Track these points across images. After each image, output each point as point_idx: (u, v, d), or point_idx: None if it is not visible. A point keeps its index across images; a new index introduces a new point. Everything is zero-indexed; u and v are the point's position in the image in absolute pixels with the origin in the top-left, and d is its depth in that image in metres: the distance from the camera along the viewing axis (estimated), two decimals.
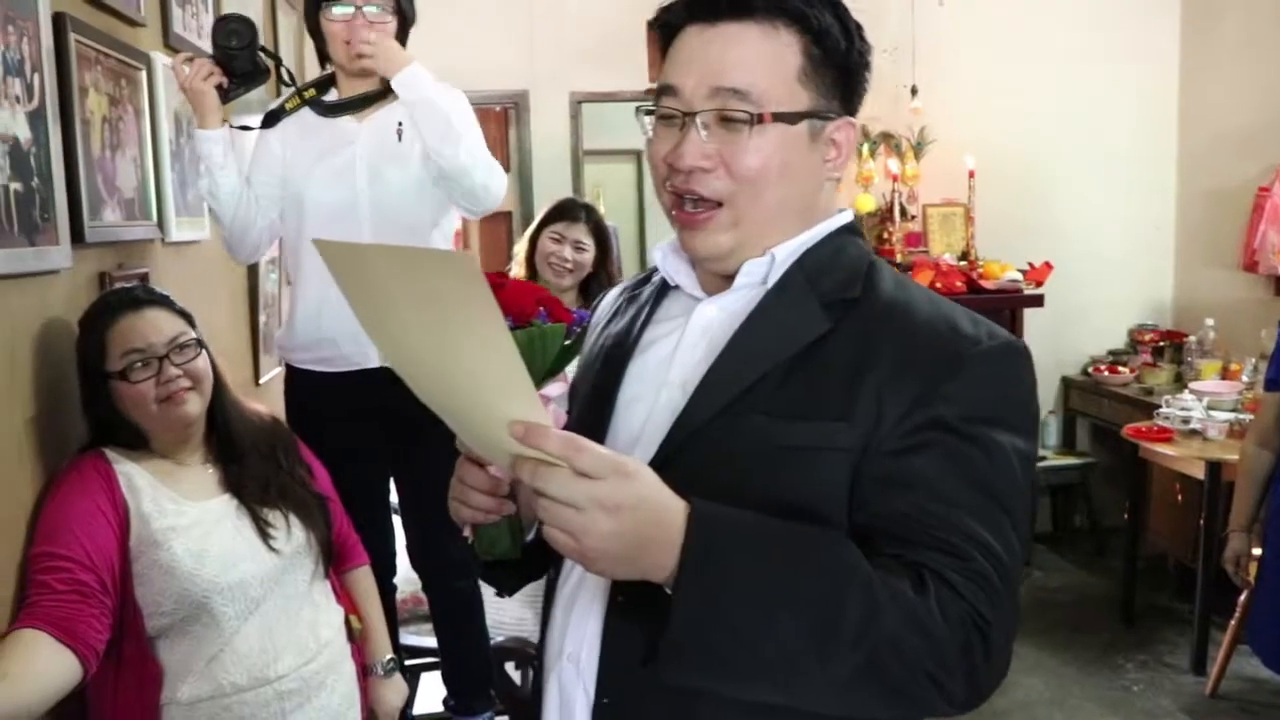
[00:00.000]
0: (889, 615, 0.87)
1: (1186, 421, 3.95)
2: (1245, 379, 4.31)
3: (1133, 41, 5.09)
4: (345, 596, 1.99)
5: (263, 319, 3.31)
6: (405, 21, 2.46)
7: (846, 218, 1.13)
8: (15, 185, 1.62)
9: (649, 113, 1.08)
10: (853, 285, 1.05)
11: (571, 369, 1.17)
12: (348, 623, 1.94)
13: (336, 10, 2.35)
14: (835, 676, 0.87)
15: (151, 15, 2.37)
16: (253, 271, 3.24)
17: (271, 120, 2.44)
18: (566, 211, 3.06)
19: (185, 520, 1.69)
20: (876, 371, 0.97)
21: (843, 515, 0.97)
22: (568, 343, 1.04)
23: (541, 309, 1.01)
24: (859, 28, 1.08)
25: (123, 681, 1.63)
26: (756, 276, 1.08)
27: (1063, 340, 5.12)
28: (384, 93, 2.40)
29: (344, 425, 2.49)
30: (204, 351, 1.76)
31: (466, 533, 1.12)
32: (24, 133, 1.66)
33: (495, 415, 0.87)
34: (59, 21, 1.82)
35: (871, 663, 0.87)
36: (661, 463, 1.01)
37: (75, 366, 1.73)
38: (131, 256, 2.18)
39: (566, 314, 1.04)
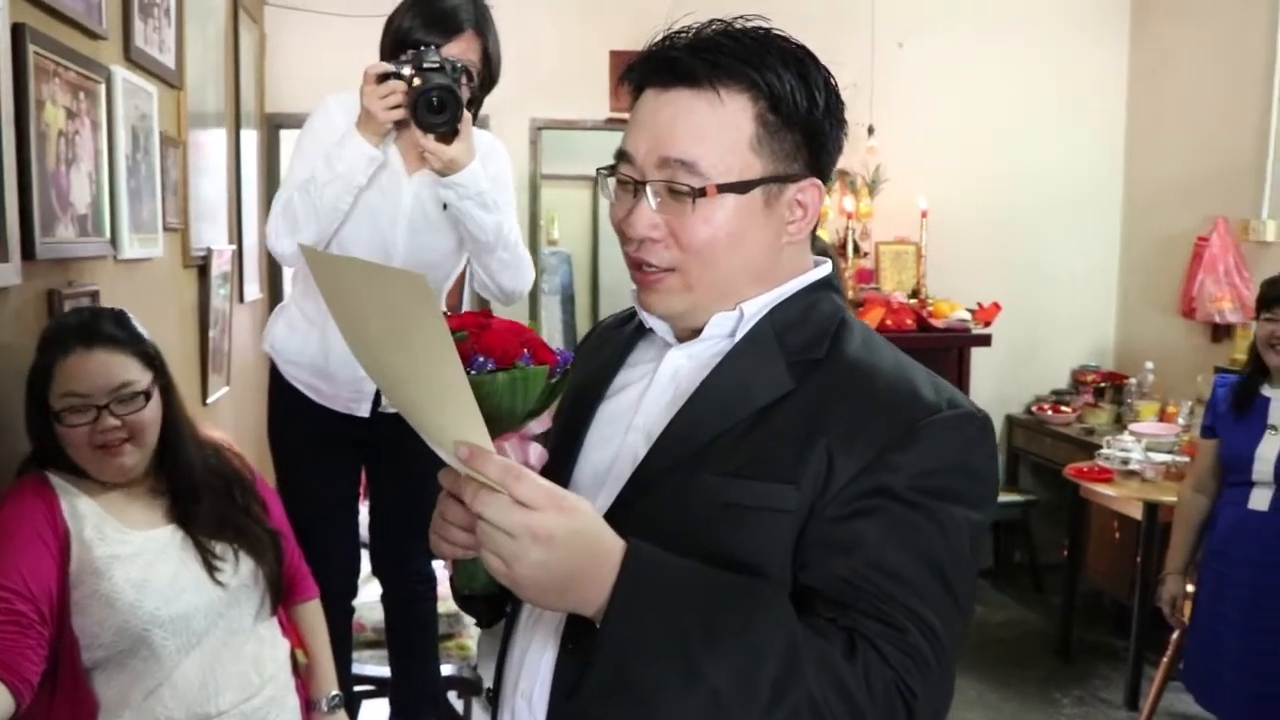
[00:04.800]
0: (811, 675, 0.87)
1: (1125, 462, 4.04)
2: (1181, 421, 4.41)
3: (1083, 92, 5.22)
4: (292, 629, 1.95)
5: (213, 334, 3.27)
6: (490, 80, 2.45)
7: (822, 272, 1.11)
8: None
9: (609, 175, 1.08)
10: (819, 344, 1.04)
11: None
12: (293, 656, 1.90)
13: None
14: None
15: (113, 28, 2.34)
16: (203, 288, 3.20)
17: None
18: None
19: (128, 549, 1.65)
20: (828, 435, 0.97)
21: (786, 574, 0.97)
22: (553, 381, 1.06)
23: (525, 351, 1.02)
24: (829, 85, 1.05)
25: (55, 714, 1.59)
26: (724, 329, 1.07)
27: (1008, 379, 5.20)
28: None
29: (324, 438, 2.46)
30: (150, 401, 1.68)
31: (446, 567, 1.14)
32: None
33: (447, 431, 0.90)
34: (17, 32, 1.79)
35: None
36: (619, 507, 1.03)
37: (21, 386, 1.68)
38: (82, 274, 2.14)
39: (550, 355, 1.05)
